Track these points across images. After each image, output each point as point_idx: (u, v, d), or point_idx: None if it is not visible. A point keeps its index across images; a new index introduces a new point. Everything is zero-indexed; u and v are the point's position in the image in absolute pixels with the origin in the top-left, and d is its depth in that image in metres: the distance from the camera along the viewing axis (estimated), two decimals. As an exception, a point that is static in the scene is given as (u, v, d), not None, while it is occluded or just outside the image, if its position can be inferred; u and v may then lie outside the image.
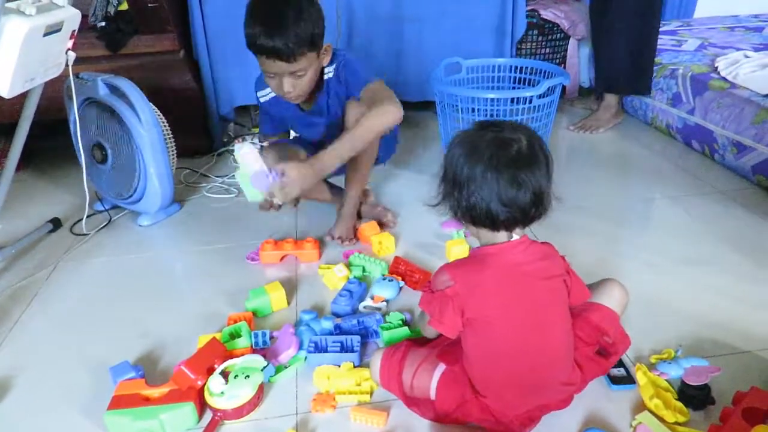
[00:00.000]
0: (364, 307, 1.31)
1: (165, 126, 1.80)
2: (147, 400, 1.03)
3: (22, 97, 1.41)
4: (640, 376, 1.06)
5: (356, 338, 1.16)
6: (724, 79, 2.05)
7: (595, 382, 1.07)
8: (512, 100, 1.74)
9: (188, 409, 1.02)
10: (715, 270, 1.42)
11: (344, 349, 1.14)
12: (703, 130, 2.02)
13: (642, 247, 1.55)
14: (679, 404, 1.01)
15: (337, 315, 1.28)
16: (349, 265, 1.44)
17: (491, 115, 1.74)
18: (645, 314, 1.27)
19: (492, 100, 1.72)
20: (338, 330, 1.20)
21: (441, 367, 1.00)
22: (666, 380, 1.07)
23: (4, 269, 1.59)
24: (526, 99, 1.73)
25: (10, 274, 1.57)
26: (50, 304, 1.44)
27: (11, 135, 1.53)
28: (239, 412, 1.03)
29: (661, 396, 1.02)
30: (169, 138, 1.82)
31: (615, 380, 1.08)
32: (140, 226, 1.80)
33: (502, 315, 0.91)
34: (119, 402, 1.03)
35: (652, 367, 1.10)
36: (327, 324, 1.22)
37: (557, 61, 2.61)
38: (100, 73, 1.71)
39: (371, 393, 1.08)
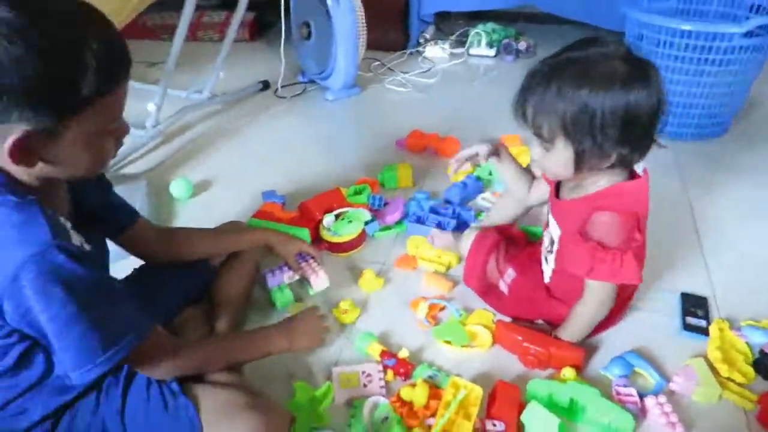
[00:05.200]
0: (482, 198, 1.43)
1: (361, 15, 2.02)
2: (279, 220, 1.32)
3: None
4: (714, 330, 1.02)
5: (453, 221, 1.29)
6: None
7: (669, 323, 1.07)
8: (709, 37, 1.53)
9: (304, 232, 1.28)
10: None
11: (439, 226, 1.29)
12: None
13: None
14: (747, 367, 0.97)
15: (447, 201, 1.42)
16: (476, 166, 1.54)
17: (678, 54, 1.57)
18: (760, 280, 1.17)
19: (685, 33, 1.54)
20: (434, 212, 1.34)
21: (511, 273, 1.08)
22: (745, 342, 1.01)
23: (221, 111, 2.04)
24: (724, 36, 1.52)
25: (222, 116, 2.01)
26: (245, 143, 1.83)
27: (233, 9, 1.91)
28: (339, 247, 1.26)
29: (728, 353, 0.98)
30: (362, 26, 2.04)
31: (689, 327, 1.06)
32: (326, 99, 2.10)
33: None
34: (260, 215, 1.34)
35: (737, 328, 1.05)
36: (433, 204, 1.37)
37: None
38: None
39: (447, 267, 1.22)
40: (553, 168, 0.88)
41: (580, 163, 0.85)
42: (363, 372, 0.96)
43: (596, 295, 0.94)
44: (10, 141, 0.60)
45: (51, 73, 0.58)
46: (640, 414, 0.89)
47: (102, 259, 0.85)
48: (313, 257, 1.14)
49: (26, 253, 0.61)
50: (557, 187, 1.00)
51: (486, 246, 1.11)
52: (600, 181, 0.89)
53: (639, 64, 0.80)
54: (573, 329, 0.99)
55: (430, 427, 0.86)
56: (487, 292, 1.11)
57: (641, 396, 0.91)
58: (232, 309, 1.06)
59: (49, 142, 0.63)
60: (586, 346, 1.00)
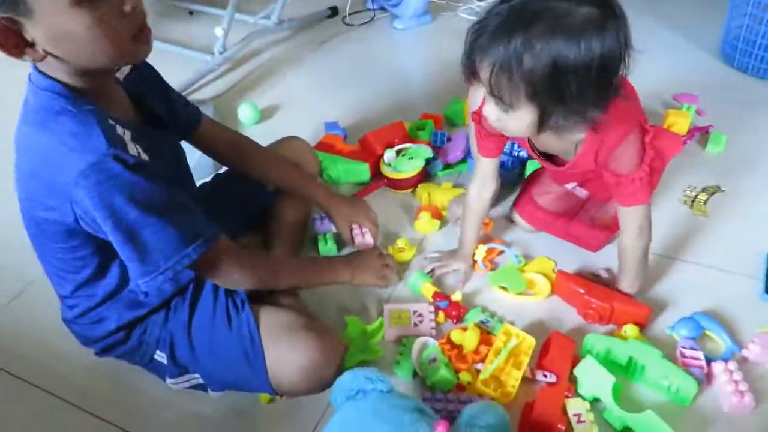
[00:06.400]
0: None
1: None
2: (339, 153, 1.30)
3: None
4: (802, 298, 0.94)
5: (510, 159, 1.22)
6: None
7: (749, 285, 0.99)
8: None
9: (364, 167, 1.25)
10: None
11: (504, 167, 1.22)
12: None
13: None
14: (835, 341, 0.88)
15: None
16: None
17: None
18: None
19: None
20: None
21: (573, 185, 1.07)
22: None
23: (288, 37, 2.00)
24: None
25: (289, 42, 1.97)
26: (310, 71, 1.80)
27: None
28: (399, 184, 1.24)
29: (814, 323, 0.90)
30: (438, -53, 1.90)
31: (772, 293, 0.97)
32: (394, 28, 2.01)
33: None
34: (320, 146, 1.32)
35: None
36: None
37: None
38: None
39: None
40: (514, 130, 0.79)
41: (544, 125, 0.75)
42: (414, 311, 0.96)
43: (635, 222, 0.87)
44: None
45: None
46: (705, 380, 0.84)
47: (170, 167, 0.82)
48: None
49: (84, 162, 0.63)
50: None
51: (540, 209, 1.07)
52: (579, 132, 0.81)
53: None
54: (630, 274, 0.93)
55: (478, 372, 0.85)
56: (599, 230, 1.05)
57: (709, 360, 0.86)
58: (288, 239, 1.07)
59: (30, 26, 0.61)
60: (653, 304, 0.94)
